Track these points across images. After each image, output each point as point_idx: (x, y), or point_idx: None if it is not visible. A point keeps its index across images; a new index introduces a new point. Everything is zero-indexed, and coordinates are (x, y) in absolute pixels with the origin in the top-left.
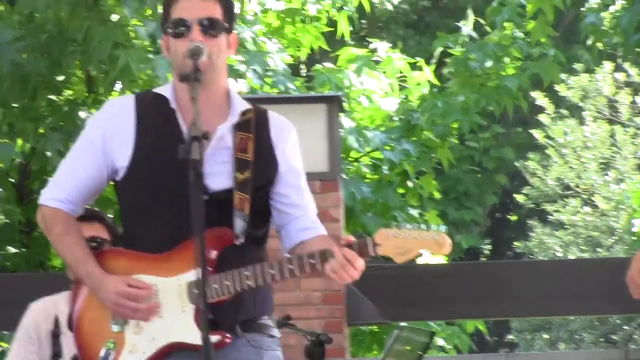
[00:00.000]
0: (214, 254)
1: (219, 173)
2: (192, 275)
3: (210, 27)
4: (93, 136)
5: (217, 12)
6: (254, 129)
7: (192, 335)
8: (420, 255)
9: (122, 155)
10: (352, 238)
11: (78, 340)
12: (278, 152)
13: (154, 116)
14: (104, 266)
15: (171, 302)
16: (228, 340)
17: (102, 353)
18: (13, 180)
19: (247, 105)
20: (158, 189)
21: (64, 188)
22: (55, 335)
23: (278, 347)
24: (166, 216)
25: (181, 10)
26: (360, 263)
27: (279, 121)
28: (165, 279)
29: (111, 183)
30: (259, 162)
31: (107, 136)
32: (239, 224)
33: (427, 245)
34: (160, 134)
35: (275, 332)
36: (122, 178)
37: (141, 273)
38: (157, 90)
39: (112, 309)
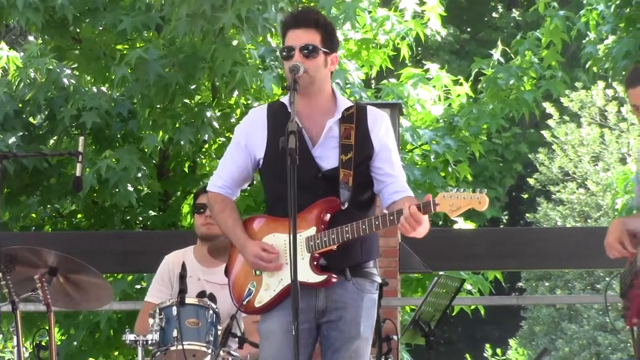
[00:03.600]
0: (327, 216)
1: (328, 156)
2: (309, 232)
3: (309, 51)
4: (240, 138)
5: (315, 40)
6: (355, 120)
7: (308, 275)
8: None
9: (260, 149)
10: (417, 201)
11: (231, 283)
12: (373, 136)
13: (278, 118)
14: (252, 227)
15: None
16: (334, 280)
17: (246, 291)
18: (155, 162)
19: (349, 104)
20: (284, 171)
21: (222, 178)
22: (182, 276)
23: (375, 291)
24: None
25: (289, 39)
26: (422, 218)
27: (374, 112)
28: None
29: None
30: (358, 145)
31: (249, 137)
32: (344, 194)
33: (472, 203)
34: (283, 131)
35: (377, 278)
36: (261, 166)
37: (276, 232)
38: (281, 99)
39: (250, 265)
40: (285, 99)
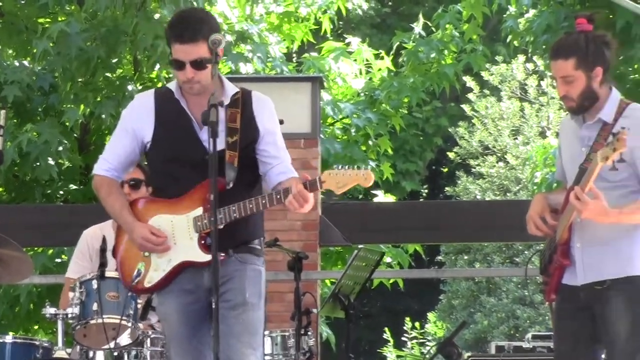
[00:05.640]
0: (211, 196)
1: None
2: (196, 212)
3: (199, 65)
4: (127, 122)
5: (203, 51)
6: (240, 105)
7: (197, 255)
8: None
9: (148, 133)
10: (305, 177)
11: (119, 264)
12: (258, 120)
13: (166, 104)
14: (139, 210)
15: (182, 233)
16: (222, 258)
17: (135, 272)
18: (76, 135)
19: (236, 90)
20: (172, 153)
21: (108, 161)
22: (103, 249)
23: (261, 264)
24: (178, 172)
25: (177, 52)
26: (309, 196)
27: (259, 98)
28: (178, 216)
29: None
30: (244, 128)
31: (136, 121)
32: (229, 174)
33: (358, 180)
34: (171, 115)
35: (261, 252)
36: (149, 149)
37: (163, 213)
38: (168, 85)
39: (138, 247)
40: (172, 85)
